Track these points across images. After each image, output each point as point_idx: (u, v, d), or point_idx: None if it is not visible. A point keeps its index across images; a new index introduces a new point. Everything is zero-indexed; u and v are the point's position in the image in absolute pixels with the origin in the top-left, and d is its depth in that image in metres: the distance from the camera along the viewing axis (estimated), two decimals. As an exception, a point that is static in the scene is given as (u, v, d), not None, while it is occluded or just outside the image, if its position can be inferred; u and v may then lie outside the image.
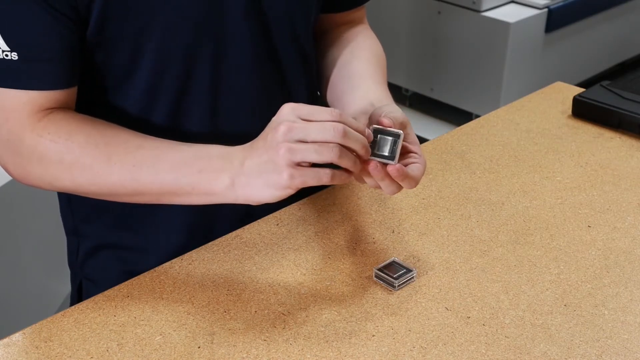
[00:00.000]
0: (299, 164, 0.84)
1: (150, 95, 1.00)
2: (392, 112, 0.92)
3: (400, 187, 0.90)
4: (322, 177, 0.85)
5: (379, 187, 0.90)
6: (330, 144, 0.84)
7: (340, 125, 0.84)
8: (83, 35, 0.95)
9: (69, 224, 1.16)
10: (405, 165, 0.89)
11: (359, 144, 0.86)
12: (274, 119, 0.87)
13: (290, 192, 0.86)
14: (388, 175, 0.88)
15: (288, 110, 0.86)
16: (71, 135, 0.93)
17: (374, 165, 0.87)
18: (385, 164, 0.88)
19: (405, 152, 0.91)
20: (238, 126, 1.04)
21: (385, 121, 0.90)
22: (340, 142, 0.84)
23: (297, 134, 0.83)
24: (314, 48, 1.14)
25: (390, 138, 0.88)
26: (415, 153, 0.91)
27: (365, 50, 1.13)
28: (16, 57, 0.91)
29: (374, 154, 0.88)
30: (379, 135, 0.89)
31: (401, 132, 0.89)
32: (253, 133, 0.91)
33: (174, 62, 0.98)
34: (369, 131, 0.88)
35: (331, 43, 1.16)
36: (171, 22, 0.96)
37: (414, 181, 0.89)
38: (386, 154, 0.88)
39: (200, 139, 0.96)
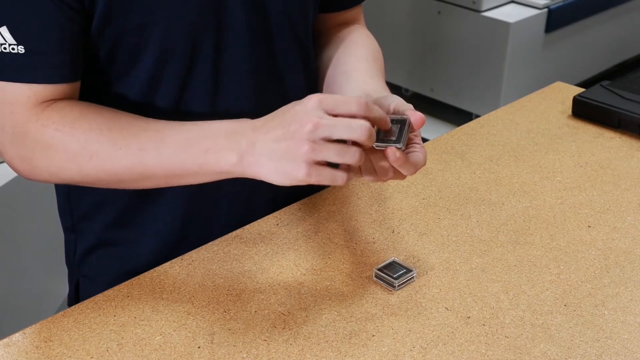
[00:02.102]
0: (318, 162, 0.84)
1: (153, 84, 1.00)
2: (397, 102, 0.92)
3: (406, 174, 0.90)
4: (338, 179, 0.84)
5: (384, 179, 0.90)
6: (352, 149, 0.83)
7: (367, 125, 0.83)
8: (88, 29, 0.95)
9: (67, 221, 1.16)
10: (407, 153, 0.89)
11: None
12: (297, 107, 0.85)
13: (301, 184, 0.85)
14: (400, 159, 0.87)
15: (315, 104, 0.84)
16: (75, 122, 0.93)
17: (391, 152, 0.86)
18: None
19: (407, 142, 0.91)
20: (239, 109, 1.04)
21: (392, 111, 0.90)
22: (363, 142, 0.83)
23: (323, 132, 0.82)
24: (312, 44, 1.14)
25: (396, 124, 0.88)
26: (417, 144, 0.91)
27: (360, 47, 1.13)
28: (22, 51, 0.91)
29: (380, 140, 0.87)
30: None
31: (407, 117, 0.88)
32: (254, 116, 0.90)
33: (176, 53, 0.99)
34: (388, 120, 0.87)
35: (327, 43, 1.16)
36: (174, 14, 0.96)
37: (413, 167, 0.88)
38: (393, 138, 0.87)
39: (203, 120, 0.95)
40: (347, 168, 0.85)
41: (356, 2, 1.19)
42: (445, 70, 3.20)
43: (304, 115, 0.83)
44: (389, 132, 0.87)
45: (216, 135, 0.89)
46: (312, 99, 0.84)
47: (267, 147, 0.85)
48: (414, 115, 0.88)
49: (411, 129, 0.89)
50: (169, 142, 0.91)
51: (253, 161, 0.86)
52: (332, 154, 0.83)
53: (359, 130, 0.83)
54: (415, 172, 0.89)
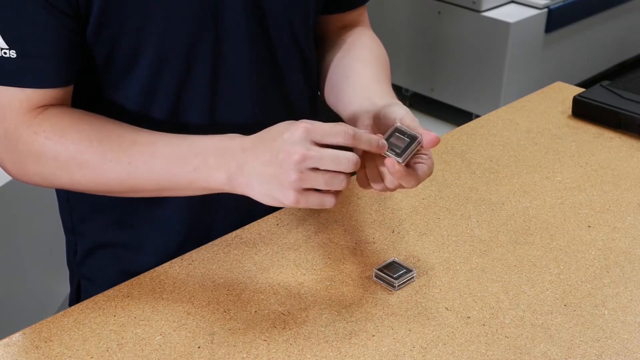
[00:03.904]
0: (305, 189, 0.84)
1: (149, 91, 1.00)
2: (402, 118, 0.91)
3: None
4: (326, 203, 0.86)
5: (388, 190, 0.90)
6: (339, 177, 0.84)
7: (353, 159, 0.84)
8: (82, 33, 0.95)
9: (67, 223, 1.16)
10: (413, 164, 0.89)
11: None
12: (285, 136, 0.85)
13: (289, 207, 0.86)
14: (398, 172, 0.88)
15: (302, 134, 0.84)
16: (65, 132, 0.93)
17: (390, 163, 0.86)
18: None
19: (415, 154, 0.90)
20: (237, 120, 1.04)
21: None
22: (351, 171, 0.85)
23: (311, 164, 0.83)
24: (313, 49, 1.13)
25: (406, 139, 0.88)
26: (425, 154, 0.91)
27: (364, 50, 1.13)
28: (14, 55, 0.91)
29: (387, 148, 0.87)
30: (395, 134, 0.88)
31: (419, 135, 0.88)
32: (252, 126, 0.90)
33: (173, 58, 0.98)
34: (382, 142, 0.87)
35: (331, 45, 1.16)
36: (169, 19, 0.96)
37: (415, 180, 0.89)
38: (397, 151, 0.87)
39: (199, 132, 0.95)
40: (336, 192, 0.86)
41: (359, 2, 1.18)
42: (445, 70, 3.20)
43: (291, 146, 0.84)
44: (398, 141, 0.87)
45: (205, 153, 0.90)
46: (299, 129, 0.84)
47: (255, 169, 0.86)
48: (427, 135, 0.88)
49: (420, 146, 0.88)
50: (158, 157, 0.91)
51: (243, 182, 0.87)
52: (320, 183, 0.84)
53: (346, 163, 0.84)
54: (418, 184, 0.89)
